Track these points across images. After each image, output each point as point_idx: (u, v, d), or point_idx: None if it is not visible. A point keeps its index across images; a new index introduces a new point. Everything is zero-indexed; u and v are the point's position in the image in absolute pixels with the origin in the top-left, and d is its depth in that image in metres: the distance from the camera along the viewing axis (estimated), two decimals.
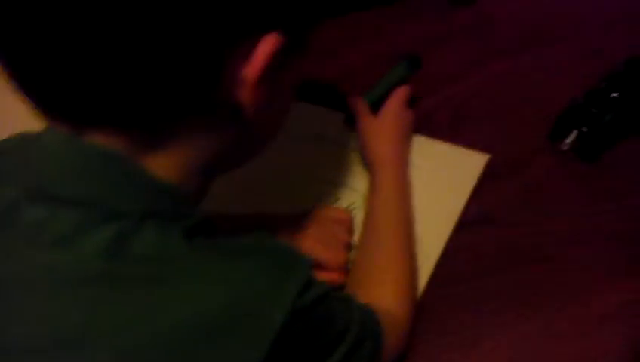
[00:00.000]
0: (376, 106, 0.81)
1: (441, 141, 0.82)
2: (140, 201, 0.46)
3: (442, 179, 0.79)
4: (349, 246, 0.74)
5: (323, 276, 0.71)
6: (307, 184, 0.82)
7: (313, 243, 0.73)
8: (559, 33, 0.86)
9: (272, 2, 0.45)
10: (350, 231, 0.75)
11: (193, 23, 0.41)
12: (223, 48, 0.44)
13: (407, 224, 0.73)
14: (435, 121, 0.84)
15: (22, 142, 0.51)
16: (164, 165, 0.48)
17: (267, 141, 0.60)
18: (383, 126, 0.79)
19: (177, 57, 0.42)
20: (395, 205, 0.73)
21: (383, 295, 0.66)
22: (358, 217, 0.77)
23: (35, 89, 0.44)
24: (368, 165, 0.78)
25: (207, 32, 0.42)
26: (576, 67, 0.83)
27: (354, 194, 0.80)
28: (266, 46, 0.44)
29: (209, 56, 0.43)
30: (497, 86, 0.85)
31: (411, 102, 0.82)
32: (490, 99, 0.84)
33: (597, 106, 0.73)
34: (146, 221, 0.45)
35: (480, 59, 0.87)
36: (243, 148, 0.56)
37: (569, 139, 0.75)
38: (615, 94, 0.73)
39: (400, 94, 0.80)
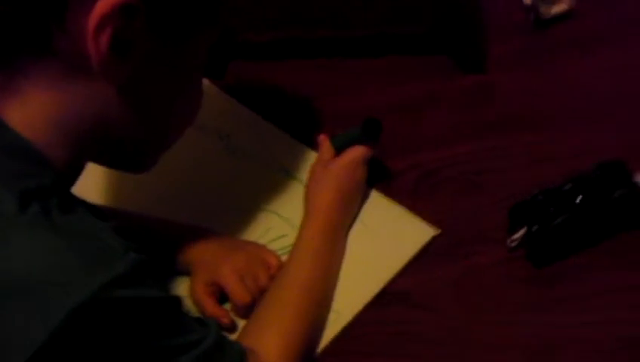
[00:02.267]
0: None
1: (396, 203, 0.77)
2: None
3: (382, 242, 0.75)
4: (261, 292, 0.71)
5: (213, 309, 0.70)
6: (246, 204, 0.81)
7: (230, 271, 0.72)
8: (551, 120, 0.81)
9: None
10: (271, 278, 0.72)
11: None
12: None
13: (318, 279, 0.70)
14: (401, 181, 0.80)
15: None
16: (20, 122, 0.50)
17: (162, 126, 0.61)
18: (328, 175, 0.76)
19: None
20: (311, 258, 0.71)
21: (267, 342, 0.63)
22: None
23: None
24: (305, 212, 0.75)
25: None
26: (559, 161, 0.76)
27: (289, 228, 0.77)
28: None
29: None
30: (475, 162, 0.79)
31: (379, 169, 0.79)
32: (463, 174, 0.79)
33: (555, 206, 0.67)
34: None
35: (467, 130, 0.82)
36: (125, 123, 0.56)
37: (517, 235, 0.69)
38: (578, 199, 0.67)
39: (358, 151, 0.77)
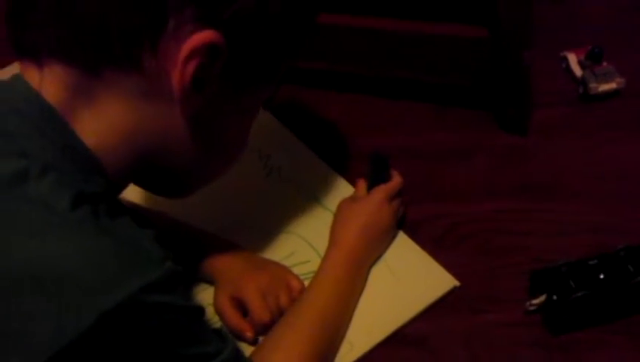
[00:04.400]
0: None
1: (421, 249, 0.79)
2: (50, 152, 0.51)
3: (402, 284, 0.76)
4: (281, 313, 0.73)
5: (236, 322, 0.72)
6: (274, 225, 0.83)
7: (254, 289, 0.74)
8: (582, 195, 0.82)
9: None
10: (293, 301, 0.74)
11: None
12: (167, 11, 0.51)
13: (335, 308, 0.71)
14: (425, 229, 0.81)
15: None
16: (88, 128, 0.53)
17: (215, 160, 0.65)
18: (354, 211, 0.78)
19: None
20: (328, 288, 0.72)
21: None
22: None
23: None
24: (329, 243, 0.77)
25: None
26: (582, 235, 0.77)
27: (313, 254, 0.79)
28: (203, 35, 0.52)
29: (155, 7, 0.50)
30: (501, 221, 0.81)
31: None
32: (488, 232, 0.80)
33: (577, 278, 0.68)
34: (48, 170, 0.49)
35: (497, 189, 0.84)
36: (184, 151, 0.60)
37: (537, 301, 0.70)
38: (602, 276, 0.68)
39: (382, 189, 0.79)
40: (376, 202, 0.78)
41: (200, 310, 0.56)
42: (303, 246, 0.81)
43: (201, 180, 0.68)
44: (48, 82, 0.53)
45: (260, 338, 0.72)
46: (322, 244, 0.79)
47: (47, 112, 0.52)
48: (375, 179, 0.81)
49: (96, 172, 0.54)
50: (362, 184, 0.82)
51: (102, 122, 0.54)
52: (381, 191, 0.79)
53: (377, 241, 0.78)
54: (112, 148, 0.55)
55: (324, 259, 0.75)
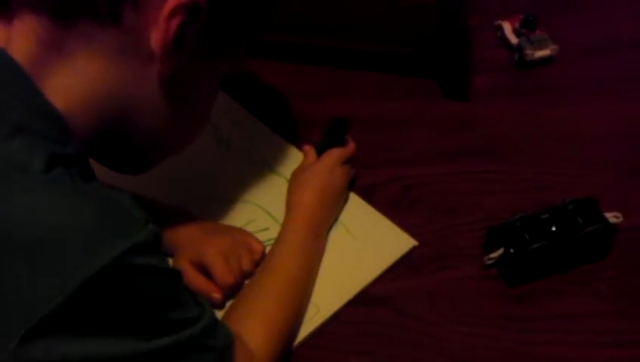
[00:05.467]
0: None
1: (377, 211, 0.81)
2: (17, 112, 0.48)
3: (362, 246, 0.78)
4: (244, 276, 0.74)
5: (203, 284, 0.71)
6: (229, 195, 0.83)
7: (216, 252, 0.74)
8: (525, 155, 0.86)
9: None
10: (255, 263, 0.75)
11: None
12: None
13: (299, 271, 0.72)
14: (380, 192, 0.83)
15: None
16: (59, 86, 0.51)
17: (181, 129, 0.63)
18: (309, 176, 0.79)
19: None
20: (292, 251, 0.73)
21: (251, 329, 0.65)
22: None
23: None
24: (286, 209, 0.78)
25: None
26: (530, 192, 0.82)
27: (271, 222, 0.80)
28: None
29: None
30: (453, 183, 0.84)
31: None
32: (441, 193, 0.83)
33: (531, 232, 0.72)
34: (17, 130, 0.47)
35: (446, 153, 0.87)
36: (153, 115, 0.58)
37: (494, 254, 0.73)
38: (554, 228, 0.72)
39: (334, 152, 0.81)
40: (330, 165, 0.79)
41: (179, 274, 0.55)
42: (260, 214, 0.81)
43: (161, 152, 0.66)
44: (17, 34, 0.50)
45: (227, 303, 0.72)
46: (279, 211, 0.80)
47: (14, 69, 0.49)
48: (332, 140, 0.82)
49: (66, 133, 0.51)
50: (311, 150, 0.83)
51: (73, 80, 0.51)
52: (335, 154, 0.80)
53: (333, 203, 0.79)
54: (82, 110, 0.52)
55: (284, 225, 0.76)
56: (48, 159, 0.47)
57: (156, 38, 0.52)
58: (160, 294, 0.51)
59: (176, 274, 0.54)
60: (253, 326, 0.65)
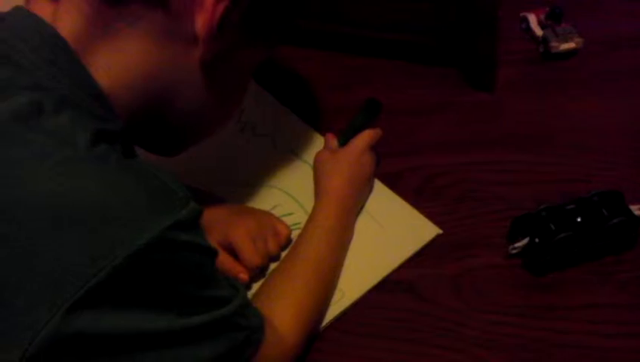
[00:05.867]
0: None
1: (402, 200, 0.81)
2: (64, 86, 0.49)
3: (387, 233, 0.79)
4: (271, 258, 0.75)
5: (231, 264, 0.72)
6: (254, 180, 0.84)
7: (244, 234, 0.74)
8: (550, 146, 0.86)
9: None
10: (281, 246, 0.76)
11: None
12: None
13: (329, 257, 0.73)
14: (404, 181, 0.84)
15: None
16: (103, 65, 0.52)
17: (217, 113, 0.63)
18: (338, 161, 0.79)
19: None
20: (323, 236, 0.74)
21: (280, 313, 0.66)
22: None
23: None
24: (315, 195, 0.78)
25: None
26: (555, 183, 0.82)
27: (296, 206, 0.81)
28: None
29: None
30: (478, 172, 0.84)
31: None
32: (466, 182, 0.83)
33: (556, 222, 0.72)
34: (64, 105, 0.48)
35: (471, 142, 0.87)
36: (192, 98, 0.59)
37: (519, 244, 0.74)
38: (579, 219, 0.73)
39: (364, 137, 0.81)
40: (361, 150, 0.80)
41: (217, 253, 0.55)
42: (285, 198, 0.82)
43: (196, 135, 0.67)
44: (64, 11, 0.51)
45: (253, 285, 0.73)
46: (304, 196, 0.81)
47: (60, 44, 0.50)
48: (364, 121, 0.83)
49: (110, 111, 0.52)
50: (333, 138, 0.84)
51: (117, 59, 0.52)
52: (365, 139, 0.81)
53: (363, 189, 0.80)
54: (124, 89, 0.53)
55: (315, 210, 0.77)
56: (94, 134, 0.48)
57: (201, 22, 0.52)
58: (199, 271, 0.51)
59: (214, 253, 0.54)
60: (283, 310, 0.66)
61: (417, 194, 0.82)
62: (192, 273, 0.51)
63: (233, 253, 0.74)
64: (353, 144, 0.81)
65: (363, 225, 0.79)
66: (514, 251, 0.74)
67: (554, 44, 0.93)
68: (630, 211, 0.73)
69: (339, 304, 0.73)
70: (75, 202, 0.45)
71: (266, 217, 0.78)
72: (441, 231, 0.78)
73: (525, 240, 0.73)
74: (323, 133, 0.87)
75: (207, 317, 0.51)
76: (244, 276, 0.72)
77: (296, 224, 0.78)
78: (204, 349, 0.52)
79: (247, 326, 0.57)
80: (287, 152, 0.87)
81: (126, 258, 0.44)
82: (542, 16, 0.97)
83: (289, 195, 0.82)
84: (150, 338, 0.48)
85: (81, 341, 0.44)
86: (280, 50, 0.95)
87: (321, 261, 0.72)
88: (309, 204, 0.79)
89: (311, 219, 0.76)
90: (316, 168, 0.81)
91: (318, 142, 0.87)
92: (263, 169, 0.85)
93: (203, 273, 0.52)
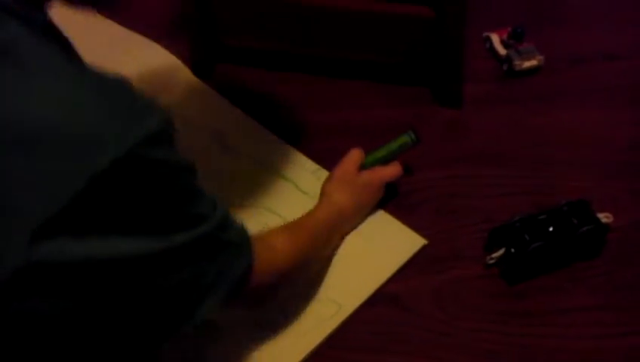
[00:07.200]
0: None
1: (385, 212, 0.85)
2: None
3: (376, 246, 0.82)
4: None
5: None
6: (241, 201, 0.85)
7: None
8: (518, 160, 0.91)
9: None
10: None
11: None
12: None
13: (320, 239, 0.77)
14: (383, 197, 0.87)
15: None
16: None
17: None
18: (351, 178, 0.82)
19: None
20: (321, 224, 0.77)
21: (276, 234, 0.71)
22: None
23: None
24: (324, 195, 0.81)
25: None
26: (524, 195, 0.87)
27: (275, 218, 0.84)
28: None
29: None
30: (450, 187, 0.88)
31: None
32: (439, 197, 0.87)
33: (530, 232, 0.76)
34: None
35: (441, 158, 0.91)
36: None
37: (496, 254, 0.78)
38: (551, 228, 0.77)
39: (392, 172, 0.84)
40: (383, 183, 0.84)
41: (194, 166, 0.52)
42: (273, 218, 0.84)
43: None
44: None
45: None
46: (291, 214, 0.81)
47: None
48: (396, 154, 0.86)
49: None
50: (361, 153, 0.85)
51: None
52: (392, 175, 0.84)
53: (361, 217, 0.84)
54: None
55: (321, 202, 0.80)
56: (28, 33, 0.44)
57: None
58: (175, 189, 0.48)
59: (190, 167, 0.52)
60: (279, 232, 0.70)
61: (395, 208, 0.86)
62: (169, 192, 0.48)
63: None
64: (380, 174, 0.84)
65: (353, 238, 0.82)
66: (491, 261, 0.78)
67: (517, 62, 0.98)
68: (598, 219, 0.78)
69: (336, 317, 0.75)
70: (26, 124, 0.41)
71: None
72: (426, 242, 0.82)
73: (501, 251, 0.78)
74: (303, 152, 0.91)
75: (188, 236, 0.49)
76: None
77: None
78: (188, 268, 0.51)
79: (230, 241, 0.56)
80: (270, 172, 0.89)
81: (87, 180, 0.41)
82: (504, 37, 1.02)
83: (276, 214, 0.84)
84: (128, 263, 0.46)
85: (50, 270, 0.42)
86: (252, 72, 0.99)
87: (316, 235, 0.75)
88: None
89: (318, 206, 0.79)
90: (335, 176, 0.82)
91: (298, 159, 0.90)
92: (247, 189, 0.87)
93: (180, 190, 0.49)
